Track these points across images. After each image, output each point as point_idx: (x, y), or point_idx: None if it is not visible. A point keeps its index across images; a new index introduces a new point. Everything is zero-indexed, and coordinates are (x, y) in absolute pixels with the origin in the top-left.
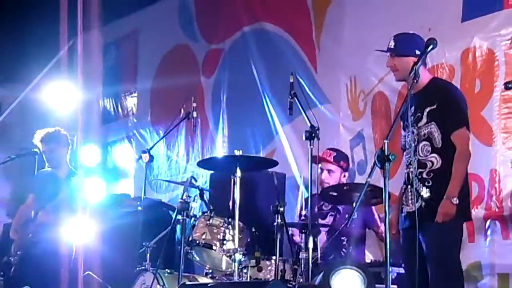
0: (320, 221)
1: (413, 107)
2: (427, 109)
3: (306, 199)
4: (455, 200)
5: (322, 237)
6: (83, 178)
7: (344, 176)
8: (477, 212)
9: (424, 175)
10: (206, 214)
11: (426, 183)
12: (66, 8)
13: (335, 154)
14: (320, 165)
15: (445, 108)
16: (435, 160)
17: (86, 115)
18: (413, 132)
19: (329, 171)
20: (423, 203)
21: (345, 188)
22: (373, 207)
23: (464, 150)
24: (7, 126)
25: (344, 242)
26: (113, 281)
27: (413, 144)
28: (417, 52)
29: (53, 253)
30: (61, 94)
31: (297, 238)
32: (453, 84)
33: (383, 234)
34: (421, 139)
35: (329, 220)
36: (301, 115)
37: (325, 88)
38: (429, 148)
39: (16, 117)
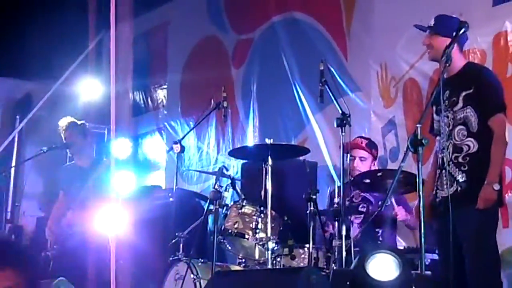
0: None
1: (447, 91)
2: (463, 93)
3: (338, 188)
4: (497, 186)
5: (355, 229)
6: (114, 169)
7: (374, 165)
8: (511, 197)
9: (460, 159)
10: (238, 203)
11: (462, 167)
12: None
13: (367, 141)
14: (351, 153)
15: (483, 92)
16: (472, 144)
17: (117, 108)
18: (447, 117)
19: (361, 158)
20: (459, 188)
21: (378, 174)
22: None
23: (502, 136)
24: (38, 120)
25: (378, 233)
26: (147, 271)
27: (447, 129)
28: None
29: (87, 245)
30: (91, 87)
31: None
32: (489, 68)
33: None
34: (456, 123)
35: (361, 211)
36: (332, 104)
37: (356, 76)
38: (465, 132)
39: (46, 111)
